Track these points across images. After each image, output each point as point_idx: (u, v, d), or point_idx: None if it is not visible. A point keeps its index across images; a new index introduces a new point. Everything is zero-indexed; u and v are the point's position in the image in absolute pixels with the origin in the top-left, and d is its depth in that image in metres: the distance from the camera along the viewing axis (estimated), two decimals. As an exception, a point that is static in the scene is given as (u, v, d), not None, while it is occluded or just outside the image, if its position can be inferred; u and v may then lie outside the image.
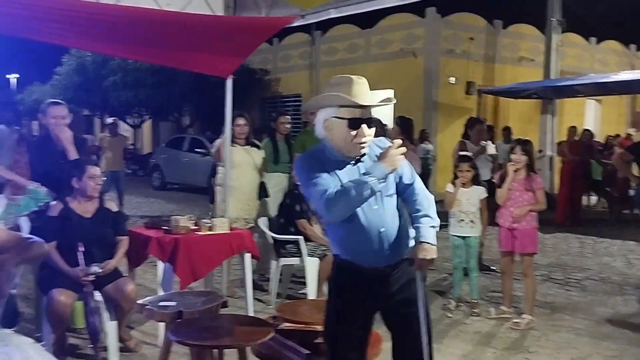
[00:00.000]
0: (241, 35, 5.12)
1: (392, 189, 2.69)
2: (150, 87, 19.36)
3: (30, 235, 3.09)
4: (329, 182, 2.58)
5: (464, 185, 5.40)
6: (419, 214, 2.68)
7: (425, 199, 2.72)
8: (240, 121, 5.98)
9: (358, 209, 2.60)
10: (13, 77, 36.15)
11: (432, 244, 2.63)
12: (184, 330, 2.86)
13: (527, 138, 5.53)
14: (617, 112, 19.40)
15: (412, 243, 2.73)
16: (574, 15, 16.04)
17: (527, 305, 5.09)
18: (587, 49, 19.26)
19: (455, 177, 5.47)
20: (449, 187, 5.48)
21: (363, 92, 2.60)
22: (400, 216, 2.70)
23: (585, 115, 18.63)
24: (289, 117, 6.79)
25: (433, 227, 2.67)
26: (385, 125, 8.26)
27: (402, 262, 2.71)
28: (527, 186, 5.01)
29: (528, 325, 4.94)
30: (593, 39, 19.47)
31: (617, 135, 15.95)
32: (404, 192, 2.73)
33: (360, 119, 2.58)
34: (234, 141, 5.91)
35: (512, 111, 16.39)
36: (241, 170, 5.88)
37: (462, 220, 5.39)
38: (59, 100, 4.76)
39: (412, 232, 2.74)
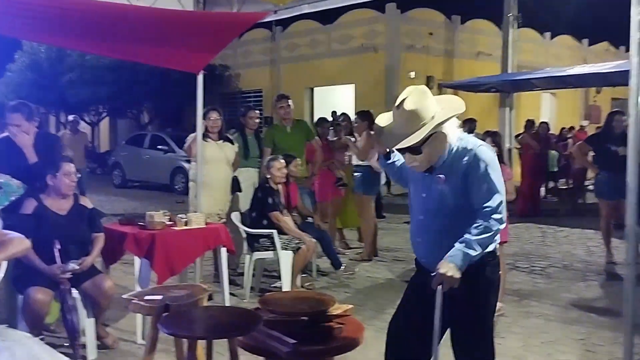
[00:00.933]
0: (212, 31, 5.11)
1: (442, 207, 2.66)
2: (109, 85, 19.05)
3: (8, 231, 3.06)
4: None
5: None
6: (464, 236, 2.58)
7: (483, 227, 2.58)
8: (214, 115, 5.95)
9: (411, 209, 2.84)
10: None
11: (454, 263, 2.53)
12: (174, 322, 2.88)
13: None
14: (571, 105, 19.99)
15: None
16: (529, 11, 16.44)
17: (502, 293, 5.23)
18: (542, 43, 19.78)
19: None
20: None
21: (392, 122, 2.68)
22: (446, 215, 2.66)
23: (541, 108, 19.14)
24: (257, 112, 6.81)
25: (467, 252, 2.55)
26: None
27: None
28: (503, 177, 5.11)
29: (499, 312, 5.08)
30: (547, 34, 20.01)
31: (572, 128, 16.45)
32: (474, 207, 2.65)
33: (401, 148, 2.64)
34: (207, 136, 5.89)
35: (471, 105, 16.56)
36: (215, 165, 5.87)
37: None
38: (18, 106, 4.62)
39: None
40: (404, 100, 2.56)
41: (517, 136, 13.36)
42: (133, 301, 3.31)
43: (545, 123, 12.70)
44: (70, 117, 11.75)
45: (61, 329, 4.25)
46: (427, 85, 16.35)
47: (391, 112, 2.67)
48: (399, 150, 2.66)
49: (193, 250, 4.73)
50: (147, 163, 16.17)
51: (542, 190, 12.69)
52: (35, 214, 4.05)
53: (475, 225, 2.57)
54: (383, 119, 2.72)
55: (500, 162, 5.08)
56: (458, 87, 15.51)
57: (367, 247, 7.35)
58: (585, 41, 21.38)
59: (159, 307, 3.16)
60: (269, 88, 18.80)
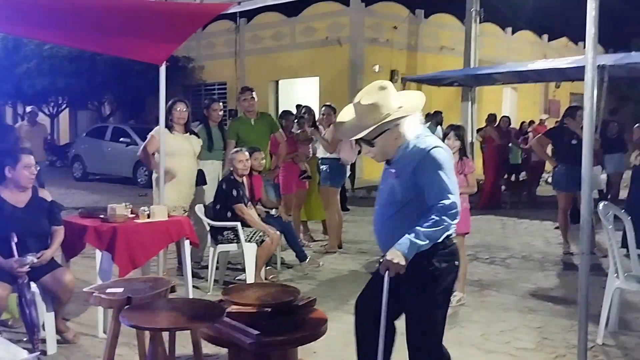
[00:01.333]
0: (175, 22, 5.05)
1: (392, 200, 2.79)
2: (68, 75, 18.65)
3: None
4: None
5: None
6: (415, 227, 2.65)
7: (434, 221, 2.64)
8: (181, 107, 5.88)
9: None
10: None
11: (401, 251, 2.62)
12: (135, 314, 2.85)
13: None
14: (531, 99, 20.37)
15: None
16: (491, 6, 16.70)
17: (458, 283, 5.31)
18: (504, 38, 20.09)
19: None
20: None
21: (349, 114, 2.87)
22: (394, 206, 2.79)
23: (502, 103, 19.46)
24: (221, 104, 6.76)
25: (414, 242, 2.62)
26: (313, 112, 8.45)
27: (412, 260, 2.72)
28: (460, 170, 5.16)
29: (459, 302, 5.18)
30: (509, 29, 20.34)
31: (532, 122, 16.77)
32: (427, 204, 2.72)
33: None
34: (172, 128, 5.83)
35: (434, 99, 16.85)
36: (182, 158, 5.82)
37: None
38: None
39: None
40: (362, 96, 2.73)
41: (479, 130, 13.55)
42: (94, 294, 3.27)
43: (507, 117, 12.92)
44: (28, 109, 11.49)
45: (20, 324, 4.18)
46: (391, 78, 16.47)
47: (350, 109, 2.84)
48: (356, 140, 2.83)
49: (155, 243, 4.69)
50: (109, 156, 15.91)
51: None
52: (-9, 207, 3.96)
53: (427, 218, 2.65)
54: (346, 113, 2.89)
55: (463, 156, 5.18)
56: (421, 81, 15.66)
57: (331, 240, 7.39)
58: (545, 37, 21.80)
59: (120, 300, 3.13)
60: (233, 80, 18.66)
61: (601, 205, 4.37)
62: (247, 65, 18.78)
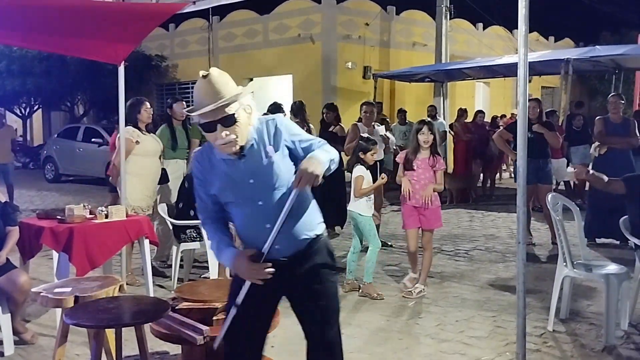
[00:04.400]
0: (132, 22, 5.07)
1: (280, 180, 2.49)
2: (38, 76, 18.50)
3: None
4: (205, 205, 2.59)
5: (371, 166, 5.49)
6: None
7: (322, 147, 2.52)
8: (148, 106, 5.92)
9: (237, 208, 2.53)
10: None
11: (317, 159, 2.41)
12: (80, 313, 2.88)
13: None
14: (503, 94, 20.58)
15: (316, 230, 2.61)
16: (461, 2, 16.86)
17: (421, 275, 5.39)
18: (475, 34, 20.27)
19: (360, 160, 5.42)
20: (361, 171, 5.39)
21: (201, 94, 2.40)
22: (294, 208, 2.47)
23: (475, 97, 19.65)
24: (184, 103, 6.77)
25: (324, 158, 2.44)
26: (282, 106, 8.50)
27: (304, 252, 2.56)
28: (431, 165, 5.20)
29: (419, 295, 5.27)
30: (480, 25, 20.53)
31: (503, 116, 16.96)
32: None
33: (212, 121, 2.37)
34: (140, 128, 5.85)
35: (407, 94, 17.03)
36: (152, 158, 5.87)
37: (368, 200, 5.39)
38: None
39: (312, 223, 2.60)
40: (208, 72, 2.43)
41: (450, 125, 13.70)
42: (42, 294, 3.29)
43: (482, 112, 13.05)
44: (-4, 111, 11.39)
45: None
46: (364, 75, 16.60)
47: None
48: (208, 126, 2.38)
49: (114, 243, 4.70)
50: (81, 156, 15.79)
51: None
52: (-57, 209, 3.96)
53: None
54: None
55: (434, 152, 5.19)
56: (394, 77, 15.81)
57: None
58: (516, 32, 22.00)
59: (66, 300, 3.16)
60: (207, 79, 18.62)
61: (549, 196, 4.48)
62: (220, 63, 18.73)
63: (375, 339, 4.34)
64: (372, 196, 5.47)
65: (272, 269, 2.43)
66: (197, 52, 19.42)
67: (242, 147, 2.46)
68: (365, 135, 6.02)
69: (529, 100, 7.31)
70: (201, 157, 2.60)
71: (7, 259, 4.16)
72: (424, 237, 5.36)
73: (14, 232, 4.25)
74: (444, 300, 5.21)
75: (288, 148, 2.54)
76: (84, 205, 4.81)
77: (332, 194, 7.81)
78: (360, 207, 5.37)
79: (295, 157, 2.53)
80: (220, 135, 2.38)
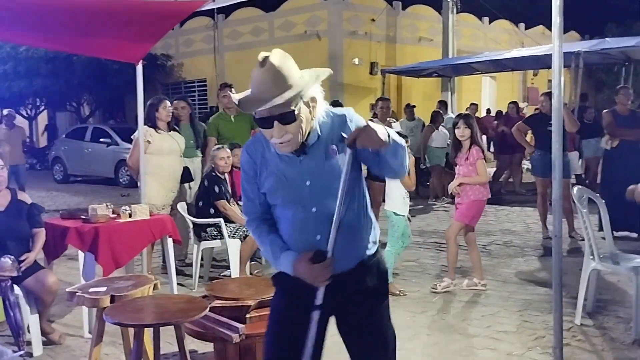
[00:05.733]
0: (150, 21, 5.06)
1: (340, 157, 2.15)
2: (45, 76, 18.50)
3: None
4: (252, 205, 2.31)
5: None
6: None
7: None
8: (167, 105, 5.90)
9: (287, 212, 2.23)
10: None
11: (387, 131, 2.06)
12: (119, 312, 2.88)
13: (466, 112, 5.65)
14: (510, 87, 20.56)
15: (370, 249, 2.30)
16: (467, -3, 16.84)
17: (475, 272, 5.34)
18: (481, 28, 20.24)
19: None
20: None
21: (257, 84, 2.09)
22: (348, 216, 2.18)
23: (482, 92, 19.62)
24: (183, 101, 6.65)
25: (395, 137, 2.11)
26: None
27: (354, 271, 2.24)
28: (466, 158, 5.14)
29: (445, 289, 5.21)
30: (486, 19, 20.49)
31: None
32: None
33: (268, 117, 2.07)
34: (158, 127, 5.83)
35: (414, 90, 17.02)
36: (171, 157, 5.86)
37: (404, 198, 5.27)
38: None
39: (369, 234, 2.31)
40: (267, 56, 2.07)
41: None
42: (77, 294, 3.29)
43: (515, 103, 12.94)
44: (5, 112, 11.40)
45: (4, 326, 4.18)
46: (371, 71, 16.58)
47: (245, 91, 2.16)
48: (264, 122, 2.10)
49: (138, 242, 4.71)
50: (90, 157, 15.80)
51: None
52: (-29, 211, 3.96)
53: None
54: (241, 94, 2.18)
55: (474, 143, 5.13)
56: (401, 73, 15.78)
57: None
58: (522, 25, 21.99)
59: (103, 299, 3.15)
60: (213, 77, 18.62)
61: (575, 189, 4.46)
62: (226, 61, 18.74)
63: (404, 335, 4.31)
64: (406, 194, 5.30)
65: (330, 259, 2.12)
66: (202, 50, 19.42)
67: (303, 144, 2.16)
68: (398, 130, 5.95)
69: (543, 94, 7.31)
70: (253, 149, 2.27)
71: (35, 260, 4.16)
72: (464, 233, 5.32)
73: (41, 233, 4.25)
74: (467, 295, 5.20)
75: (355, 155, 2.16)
76: (107, 205, 4.81)
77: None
78: (396, 204, 5.25)
79: (364, 158, 2.20)
80: (276, 133, 2.09)
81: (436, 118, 10.78)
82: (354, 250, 2.25)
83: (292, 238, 2.24)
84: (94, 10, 4.93)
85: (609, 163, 7.48)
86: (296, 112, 2.06)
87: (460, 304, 4.99)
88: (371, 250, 2.30)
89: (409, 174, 5.06)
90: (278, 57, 2.08)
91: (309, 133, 2.16)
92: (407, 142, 6.52)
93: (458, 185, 5.21)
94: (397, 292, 5.21)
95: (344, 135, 2.11)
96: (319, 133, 2.18)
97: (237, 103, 2.12)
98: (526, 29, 22.07)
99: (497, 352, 3.97)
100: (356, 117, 2.24)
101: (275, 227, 2.30)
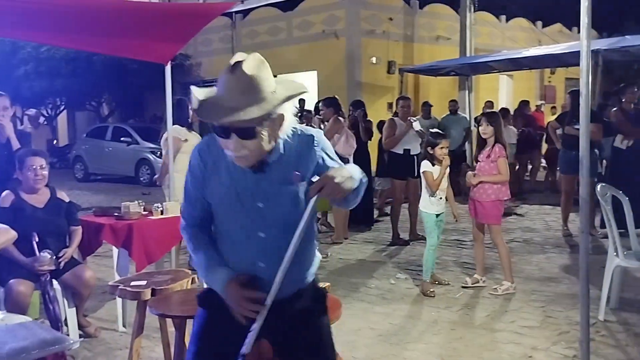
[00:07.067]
0: (180, 22, 5.18)
1: (297, 215, 1.96)
2: (65, 76, 18.74)
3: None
4: (193, 210, 2.11)
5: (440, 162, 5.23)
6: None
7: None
8: None
9: (230, 231, 2.06)
10: None
11: (352, 173, 1.96)
12: (162, 305, 3.01)
13: (494, 110, 5.66)
14: (527, 86, 20.50)
15: (308, 278, 2.15)
16: (484, -5, 16.83)
17: (505, 272, 5.28)
18: (498, 26, 20.20)
19: (429, 155, 5.25)
20: (427, 166, 5.24)
21: (224, 91, 1.89)
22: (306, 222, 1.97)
23: (499, 90, 19.60)
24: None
25: (361, 173, 2.03)
26: (310, 111, 8.61)
27: (293, 297, 2.08)
28: (488, 156, 5.15)
29: (506, 292, 5.13)
30: (503, 17, 20.44)
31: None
32: None
33: (228, 127, 1.87)
34: (191, 126, 5.97)
35: (432, 89, 17.04)
36: None
37: (441, 198, 5.25)
38: (1, 92, 4.70)
39: (311, 265, 2.15)
40: (240, 62, 1.88)
41: (476, 118, 13.69)
42: (119, 287, 3.42)
43: (506, 108, 12.99)
44: (31, 112, 11.62)
45: (44, 319, 4.32)
46: (388, 70, 16.63)
47: (210, 89, 1.96)
48: (221, 130, 1.89)
49: (170, 238, 4.83)
50: (110, 155, 16.03)
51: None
52: (12, 207, 4.10)
53: None
54: (203, 92, 1.95)
55: (497, 142, 5.16)
56: (418, 72, 15.79)
57: (338, 231, 7.54)
58: (539, 23, 21.91)
59: (145, 292, 3.28)
60: (230, 77, 18.76)
61: (599, 186, 4.52)
62: (244, 61, 18.86)
63: (430, 330, 4.42)
64: (443, 192, 5.29)
65: (264, 306, 1.92)
66: (220, 50, 19.55)
67: (262, 160, 1.97)
68: (435, 130, 5.97)
69: (568, 92, 7.35)
70: (206, 152, 2.05)
71: (72, 256, 4.30)
72: (490, 233, 5.34)
73: (78, 231, 4.39)
74: (490, 291, 5.27)
75: (317, 165, 2.03)
76: (139, 202, 4.95)
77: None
78: (424, 203, 5.32)
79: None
80: (232, 146, 1.89)
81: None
82: (293, 282, 2.04)
83: (230, 260, 2.04)
84: (123, 12, 5.06)
85: (625, 162, 7.48)
86: (258, 129, 1.87)
87: (483, 300, 5.07)
88: (309, 279, 2.15)
89: (498, 169, 5.09)
90: (252, 64, 1.88)
91: (271, 150, 1.97)
92: (424, 139, 6.47)
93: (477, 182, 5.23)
94: (428, 292, 5.23)
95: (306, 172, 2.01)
96: (282, 151, 2.00)
97: (195, 106, 1.90)
98: (543, 27, 21.98)
99: (522, 346, 4.05)
100: (323, 141, 2.08)
101: (212, 238, 2.12)
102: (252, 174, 1.97)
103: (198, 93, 1.92)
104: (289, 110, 1.96)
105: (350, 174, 1.94)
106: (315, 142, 2.04)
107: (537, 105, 17.43)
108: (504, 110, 11.63)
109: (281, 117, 1.93)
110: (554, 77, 21.29)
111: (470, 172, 5.30)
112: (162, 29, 5.23)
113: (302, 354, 2.12)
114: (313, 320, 2.13)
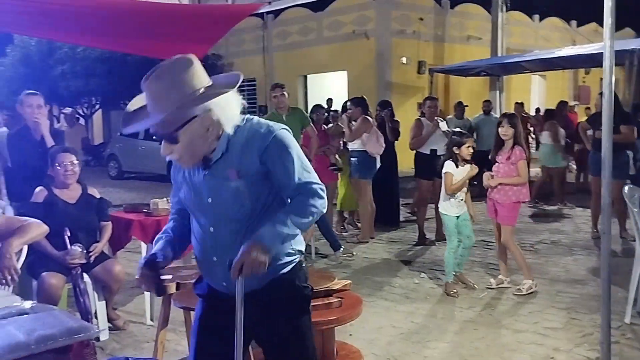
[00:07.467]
0: (209, 23, 5.31)
1: (242, 211, 2.04)
2: (100, 76, 19.11)
3: (26, 217, 3.28)
4: (174, 200, 2.29)
5: (465, 162, 5.21)
6: (280, 212, 2.05)
7: (301, 202, 2.07)
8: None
9: (195, 224, 2.15)
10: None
11: (260, 242, 1.96)
12: (186, 298, 3.10)
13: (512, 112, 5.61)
14: (560, 86, 20.23)
15: (283, 267, 2.13)
16: (517, -6, 16.66)
17: (523, 271, 5.27)
18: (531, 26, 19.98)
19: (454, 155, 5.23)
20: (449, 168, 5.23)
21: (146, 94, 1.99)
22: (245, 220, 2.05)
23: (531, 91, 19.37)
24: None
25: (278, 230, 2.00)
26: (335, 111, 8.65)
27: (262, 290, 2.09)
28: (508, 158, 5.12)
29: (530, 290, 5.14)
30: (536, 17, 20.21)
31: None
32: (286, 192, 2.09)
33: (154, 133, 1.98)
34: None
35: (462, 89, 16.94)
36: None
37: (462, 199, 5.24)
38: (35, 91, 4.86)
39: (282, 252, 2.12)
40: (154, 71, 1.95)
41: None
42: (145, 281, 3.51)
43: (565, 103, 12.80)
44: (67, 111, 11.92)
45: (74, 312, 4.47)
46: (419, 70, 16.58)
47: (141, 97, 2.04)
48: (155, 135, 2.01)
49: (196, 235, 4.92)
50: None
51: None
52: (45, 203, 4.24)
53: (291, 201, 2.08)
54: (137, 100, 2.07)
55: (516, 143, 5.15)
56: (449, 72, 15.72)
57: (364, 230, 7.58)
58: (574, 23, 21.59)
59: (170, 286, 3.38)
60: (262, 76, 18.95)
61: (626, 188, 4.48)
62: (275, 61, 19.03)
63: (451, 329, 4.44)
64: (463, 194, 5.27)
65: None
66: (251, 50, 19.75)
67: (206, 158, 2.03)
68: (457, 129, 5.96)
69: (599, 93, 7.25)
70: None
71: (102, 251, 4.43)
72: (501, 233, 5.30)
73: (109, 227, 4.53)
74: (513, 292, 5.25)
75: (268, 170, 2.05)
76: (167, 199, 5.06)
77: (384, 191, 7.93)
78: (444, 205, 5.33)
79: (276, 181, 2.07)
80: (163, 150, 1.99)
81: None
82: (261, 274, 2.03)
83: (196, 252, 2.18)
84: (155, 13, 5.20)
85: None
86: (178, 134, 1.93)
87: (507, 300, 5.05)
88: (285, 267, 2.13)
89: (517, 171, 5.06)
90: (166, 70, 1.93)
91: (214, 149, 2.02)
92: (470, 138, 6.41)
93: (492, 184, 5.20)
94: (451, 292, 5.23)
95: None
96: (224, 150, 2.03)
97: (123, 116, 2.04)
98: (578, 26, 21.66)
99: (544, 347, 4.04)
100: (283, 140, 2.04)
101: (178, 228, 2.25)
102: (201, 171, 2.06)
103: (132, 103, 2.06)
104: (226, 109, 1.97)
105: (267, 241, 1.96)
106: (273, 137, 2.03)
107: (570, 106, 17.20)
108: (550, 111, 11.43)
109: (208, 119, 1.94)
110: (588, 78, 20.95)
111: (487, 174, 5.26)
112: (192, 30, 5.36)
113: (275, 346, 2.18)
114: (288, 315, 2.15)
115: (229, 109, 1.98)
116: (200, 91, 1.92)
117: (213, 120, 1.95)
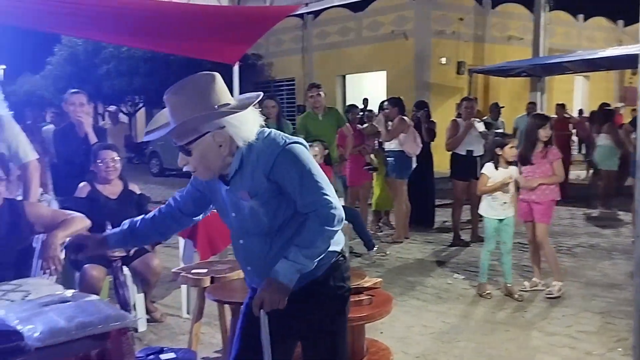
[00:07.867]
0: (247, 24, 5.42)
1: (261, 226, 2.10)
2: (144, 75, 19.54)
3: (70, 211, 3.43)
4: (180, 192, 2.46)
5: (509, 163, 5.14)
6: (291, 247, 2.06)
7: (311, 229, 2.05)
8: (270, 104, 6.24)
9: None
10: (0, 69, 35.84)
11: (277, 279, 2.02)
12: (220, 292, 3.20)
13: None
14: (604, 87, 19.79)
15: (317, 268, 2.15)
16: (561, -6, 16.36)
17: (554, 272, 5.25)
18: (575, 26, 19.60)
19: (497, 156, 5.12)
20: (486, 170, 5.17)
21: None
22: (267, 236, 2.11)
23: (573, 92, 19.00)
24: (272, 100, 6.65)
25: (294, 264, 2.03)
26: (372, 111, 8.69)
27: (300, 291, 2.12)
28: (544, 158, 5.09)
29: (560, 292, 5.12)
30: (580, 16, 19.81)
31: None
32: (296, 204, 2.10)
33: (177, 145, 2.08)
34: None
35: (502, 90, 16.75)
36: None
37: (505, 202, 5.14)
38: (79, 90, 5.06)
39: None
40: (178, 83, 2.03)
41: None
42: (181, 274, 3.64)
43: (607, 104, 12.58)
44: (111, 108, 12.25)
45: (114, 303, 4.62)
46: (458, 70, 16.46)
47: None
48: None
49: (232, 231, 5.04)
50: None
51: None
52: (88, 197, 4.41)
53: (302, 230, 2.07)
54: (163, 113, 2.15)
55: (549, 143, 5.13)
56: (488, 72, 15.56)
57: (398, 230, 7.60)
58: (621, 22, 21.07)
59: (204, 279, 3.49)
60: (301, 76, 19.08)
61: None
62: (314, 60, 19.13)
63: (481, 330, 4.44)
64: (501, 196, 5.15)
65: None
66: (291, 50, 19.90)
67: (222, 175, 2.11)
68: (500, 130, 5.92)
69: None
70: None
71: (141, 244, 4.57)
72: (535, 231, 5.25)
73: (148, 221, 4.66)
74: (545, 294, 5.20)
75: (279, 185, 2.06)
76: (205, 197, 5.19)
77: (419, 191, 7.92)
78: (483, 206, 5.29)
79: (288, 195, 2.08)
80: (180, 161, 2.09)
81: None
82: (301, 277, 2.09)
83: (236, 259, 2.33)
84: (194, 14, 5.34)
85: None
86: (191, 147, 2.01)
87: (541, 303, 5.02)
88: (319, 270, 2.15)
89: (553, 170, 5.08)
90: (189, 80, 2.01)
91: (230, 164, 2.07)
92: (487, 140, 6.36)
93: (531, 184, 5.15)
94: (482, 293, 5.22)
95: None
96: (237, 167, 2.07)
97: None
98: (625, 26, 21.14)
99: (576, 350, 4.01)
100: (291, 156, 2.04)
101: (153, 219, 2.52)
102: (224, 186, 2.13)
103: (160, 113, 2.16)
104: (240, 127, 2.01)
105: (280, 280, 2.01)
106: (280, 153, 2.03)
107: (616, 108, 16.82)
108: (609, 112, 11.19)
109: (220, 136, 2.00)
110: (635, 78, 20.40)
111: (521, 176, 5.21)
112: (230, 31, 5.49)
113: (309, 343, 2.26)
114: (321, 315, 2.21)
115: (244, 127, 2.02)
116: (215, 108, 1.98)
117: (226, 137, 2.01)
